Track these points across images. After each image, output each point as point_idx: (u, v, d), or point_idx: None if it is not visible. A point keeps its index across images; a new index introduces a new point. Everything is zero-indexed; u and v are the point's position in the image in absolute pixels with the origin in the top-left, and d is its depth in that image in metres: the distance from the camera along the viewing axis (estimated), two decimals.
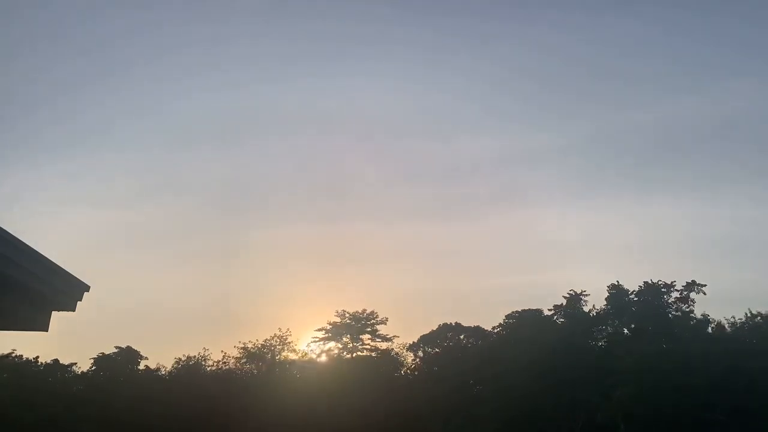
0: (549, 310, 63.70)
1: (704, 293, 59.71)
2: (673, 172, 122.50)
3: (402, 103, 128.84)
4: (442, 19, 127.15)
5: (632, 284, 61.92)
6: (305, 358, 68.47)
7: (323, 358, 69.28)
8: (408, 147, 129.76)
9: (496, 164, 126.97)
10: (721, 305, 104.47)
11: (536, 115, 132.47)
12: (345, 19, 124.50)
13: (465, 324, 69.33)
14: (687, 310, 59.57)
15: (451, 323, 69.35)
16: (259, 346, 66.43)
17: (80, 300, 7.31)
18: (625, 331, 61.01)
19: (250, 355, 66.07)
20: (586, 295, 62.86)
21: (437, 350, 68.88)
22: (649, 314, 58.65)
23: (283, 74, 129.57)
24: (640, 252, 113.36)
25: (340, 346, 70.29)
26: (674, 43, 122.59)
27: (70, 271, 7.08)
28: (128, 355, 68.67)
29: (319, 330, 70.66)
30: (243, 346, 66.54)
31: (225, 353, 66.96)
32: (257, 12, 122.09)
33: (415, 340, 69.94)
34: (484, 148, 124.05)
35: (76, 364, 68.89)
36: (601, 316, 61.62)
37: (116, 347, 68.61)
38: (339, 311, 70.68)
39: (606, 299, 61.84)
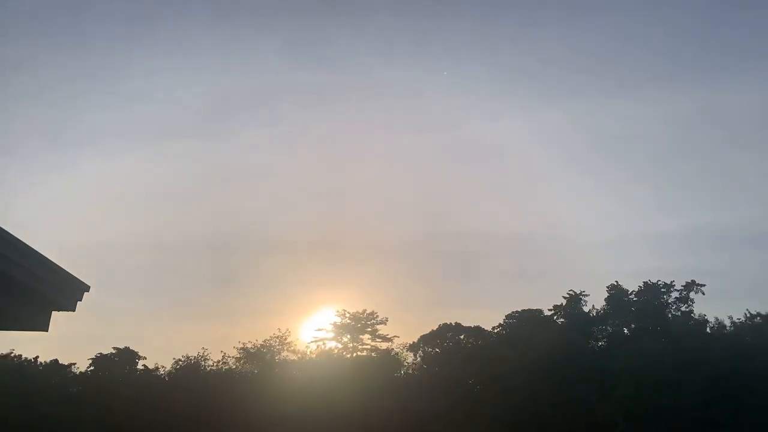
0: (549, 310, 63.86)
1: (703, 293, 59.94)
2: None
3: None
4: None
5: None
6: (305, 359, 68.42)
7: (323, 358, 69.19)
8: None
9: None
10: None
11: None
12: None
13: (465, 324, 69.41)
14: (687, 310, 59.73)
15: (451, 323, 69.35)
16: (259, 346, 66.44)
17: (80, 300, 7.29)
18: (625, 331, 61.10)
19: (250, 355, 66.05)
20: (586, 295, 63.04)
21: (437, 350, 68.87)
22: (649, 314, 58.75)
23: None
24: None
25: (340, 346, 70.34)
26: None
27: (71, 271, 7.06)
28: (126, 356, 68.73)
29: (319, 330, 70.79)
30: (242, 346, 66.58)
31: (224, 353, 67.01)
32: None
33: (415, 340, 69.98)
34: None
35: (75, 364, 69.03)
36: (601, 316, 61.70)
37: (114, 348, 68.71)
38: (339, 311, 70.80)
39: (606, 299, 61.95)
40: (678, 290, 60.18)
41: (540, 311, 64.88)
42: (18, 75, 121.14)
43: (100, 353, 68.17)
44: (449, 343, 68.98)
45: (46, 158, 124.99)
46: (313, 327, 71.91)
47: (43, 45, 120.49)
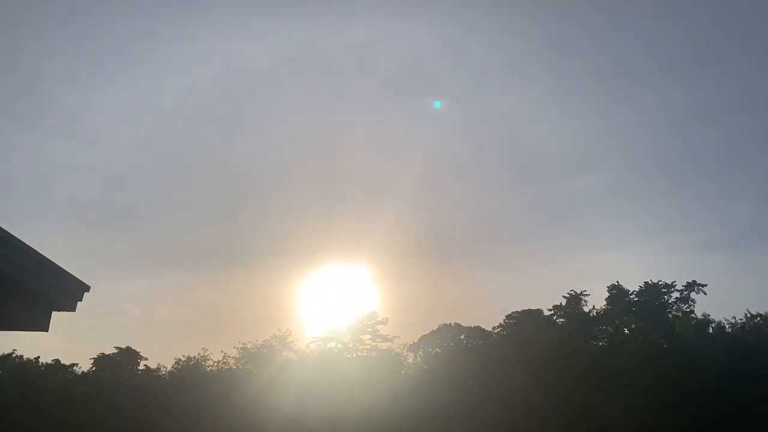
0: (549, 310, 63.85)
1: (704, 293, 60.00)
2: None
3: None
4: None
5: None
6: (305, 359, 68.44)
7: (323, 358, 69.17)
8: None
9: None
10: None
11: None
12: None
13: (465, 324, 69.38)
14: (687, 310, 59.73)
15: (451, 323, 69.32)
16: (259, 346, 66.55)
17: (80, 300, 7.35)
18: (626, 331, 61.09)
19: (250, 355, 66.15)
20: (586, 295, 63.05)
21: (437, 350, 68.85)
22: (649, 314, 58.74)
23: None
24: None
25: (341, 347, 70.27)
26: None
27: (71, 272, 7.13)
28: (128, 356, 68.79)
29: (319, 330, 70.76)
30: (242, 346, 66.71)
31: (225, 353, 67.17)
32: None
33: (416, 341, 69.95)
34: None
35: (77, 364, 69.11)
36: (601, 316, 61.69)
37: (115, 347, 68.78)
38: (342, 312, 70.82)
39: (606, 299, 61.98)
40: (679, 290, 60.27)
41: (540, 311, 64.83)
42: None
43: (102, 353, 68.32)
44: (449, 343, 68.94)
45: None
46: (313, 328, 72.01)
47: None
